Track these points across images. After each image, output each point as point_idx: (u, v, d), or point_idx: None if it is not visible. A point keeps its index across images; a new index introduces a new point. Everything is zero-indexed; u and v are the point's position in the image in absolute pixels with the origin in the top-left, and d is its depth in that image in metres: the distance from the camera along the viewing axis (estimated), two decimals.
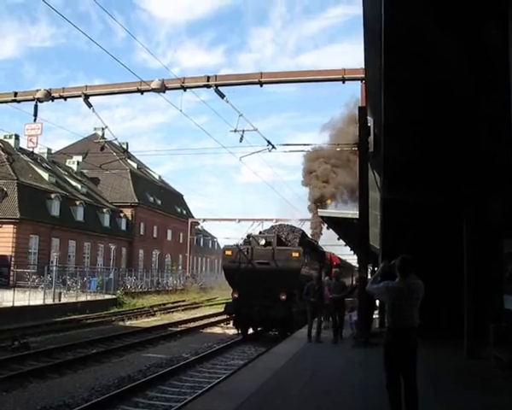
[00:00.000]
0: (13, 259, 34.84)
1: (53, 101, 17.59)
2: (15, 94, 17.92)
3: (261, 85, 16.07)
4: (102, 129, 30.57)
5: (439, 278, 11.06)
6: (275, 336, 18.01)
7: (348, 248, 39.61)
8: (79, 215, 47.35)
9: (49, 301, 28.30)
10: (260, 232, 21.58)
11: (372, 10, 5.95)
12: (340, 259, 33.64)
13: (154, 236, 62.51)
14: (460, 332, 11.12)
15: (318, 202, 40.98)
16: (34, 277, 33.24)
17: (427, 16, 5.24)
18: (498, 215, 11.25)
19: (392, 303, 5.92)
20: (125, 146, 53.21)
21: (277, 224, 25.95)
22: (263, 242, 18.57)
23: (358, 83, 15.17)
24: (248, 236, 19.95)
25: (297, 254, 18.19)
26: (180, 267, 63.30)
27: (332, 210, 31.59)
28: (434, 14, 5.23)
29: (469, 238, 11.00)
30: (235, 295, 18.52)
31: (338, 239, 35.48)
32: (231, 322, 19.93)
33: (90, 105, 17.11)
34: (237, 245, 19.94)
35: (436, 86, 6.90)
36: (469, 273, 10.97)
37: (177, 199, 71.74)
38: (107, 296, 33.36)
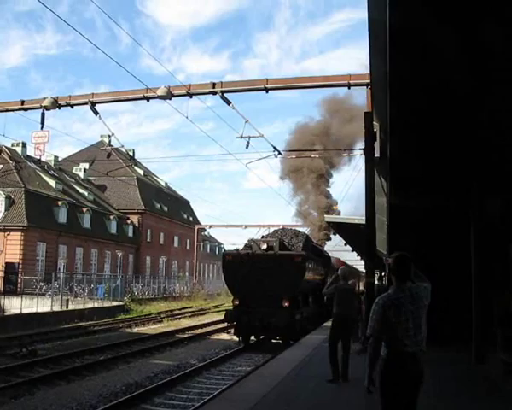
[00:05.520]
0: (20, 266, 34.96)
1: (60, 109, 17.68)
2: (22, 102, 18.02)
3: (267, 91, 16.07)
4: (109, 136, 30.80)
5: (445, 281, 11.01)
6: (280, 344, 17.62)
7: (355, 253, 39.66)
8: (86, 222, 47.51)
9: (57, 308, 28.44)
10: (263, 237, 21.04)
11: (377, 13, 5.96)
12: (346, 264, 33.53)
13: (161, 242, 62.60)
14: (467, 336, 11.07)
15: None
16: (41, 284, 33.45)
17: (431, 16, 5.26)
18: (505, 219, 11.22)
19: (396, 321, 4.34)
20: (131, 153, 53.52)
21: (280, 228, 25.47)
22: (264, 246, 17.92)
23: (364, 88, 15.16)
24: (250, 240, 19.30)
25: (300, 259, 17.66)
26: (187, 274, 63.32)
27: (338, 216, 31.56)
28: (439, 14, 5.24)
29: (476, 242, 10.97)
30: (236, 302, 17.90)
31: (345, 245, 35.53)
32: (232, 330, 19.27)
33: (96, 112, 17.18)
34: (238, 250, 19.58)
35: (441, 88, 6.90)
36: (477, 277, 10.93)
37: (183, 205, 71.85)
38: (115, 303, 33.44)
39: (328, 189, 47.14)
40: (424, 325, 4.41)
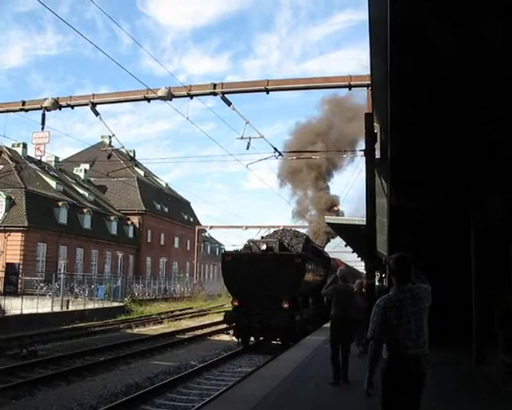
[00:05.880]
0: (21, 267, 34.96)
1: (60, 109, 17.69)
2: (23, 103, 18.05)
3: (267, 93, 16.08)
4: (109, 137, 30.75)
5: (446, 282, 11.01)
6: (280, 345, 17.44)
7: (356, 254, 39.62)
8: (87, 223, 47.52)
9: (57, 308, 28.47)
10: (262, 237, 20.79)
11: (378, 13, 5.97)
12: (346, 265, 33.47)
13: (162, 243, 62.61)
14: (468, 337, 11.05)
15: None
16: (42, 284, 33.48)
17: (431, 12, 5.26)
18: (505, 219, 11.21)
19: (398, 323, 4.27)
20: (131, 154, 53.48)
21: (280, 229, 25.22)
22: (264, 247, 17.71)
23: (364, 89, 15.16)
24: (249, 241, 19.03)
25: (299, 260, 17.45)
26: (187, 275, 63.33)
27: (339, 217, 31.55)
28: (438, 9, 5.25)
29: (476, 243, 10.96)
30: (235, 303, 17.72)
31: (345, 246, 35.50)
32: (231, 331, 19.04)
33: (97, 113, 17.19)
34: (237, 251, 19.36)
35: (441, 84, 6.90)
36: (477, 278, 10.93)
37: (184, 206, 71.88)
38: (115, 304, 33.43)
39: (328, 183, 46.97)
40: (426, 327, 4.34)
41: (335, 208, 41.90)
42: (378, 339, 4.31)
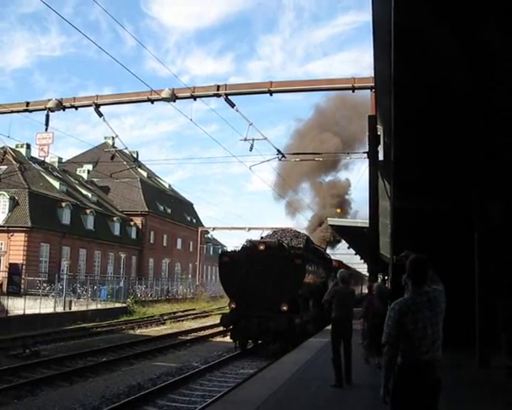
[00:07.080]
0: (24, 267, 34.99)
1: (64, 110, 17.75)
2: (27, 104, 18.13)
3: (271, 94, 16.09)
4: (112, 138, 30.86)
5: (449, 285, 10.97)
6: (281, 348, 16.81)
7: (359, 256, 39.49)
8: (90, 224, 47.56)
9: (60, 309, 28.53)
10: (262, 237, 20.28)
11: (382, 16, 5.97)
12: (348, 267, 33.28)
13: (164, 244, 62.60)
14: (471, 340, 11.03)
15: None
16: (45, 285, 33.51)
17: (432, 17, 5.26)
18: (507, 222, 11.18)
19: (414, 328, 4.06)
20: (135, 155, 53.49)
21: (280, 229, 24.52)
22: (262, 247, 17.10)
23: (368, 91, 15.17)
24: (248, 241, 18.32)
25: (299, 261, 16.90)
26: (190, 276, 63.31)
27: (342, 219, 31.45)
28: (440, 14, 5.25)
29: (479, 245, 10.94)
30: (233, 306, 17.21)
31: (348, 248, 35.44)
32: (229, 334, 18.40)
33: (100, 114, 17.24)
34: (235, 251, 18.73)
35: (442, 91, 6.89)
36: (480, 281, 10.91)
37: (186, 208, 71.86)
38: (118, 305, 33.45)
39: (335, 176, 46.29)
40: (441, 331, 4.17)
41: (338, 211, 41.14)
42: (393, 344, 4.12)
